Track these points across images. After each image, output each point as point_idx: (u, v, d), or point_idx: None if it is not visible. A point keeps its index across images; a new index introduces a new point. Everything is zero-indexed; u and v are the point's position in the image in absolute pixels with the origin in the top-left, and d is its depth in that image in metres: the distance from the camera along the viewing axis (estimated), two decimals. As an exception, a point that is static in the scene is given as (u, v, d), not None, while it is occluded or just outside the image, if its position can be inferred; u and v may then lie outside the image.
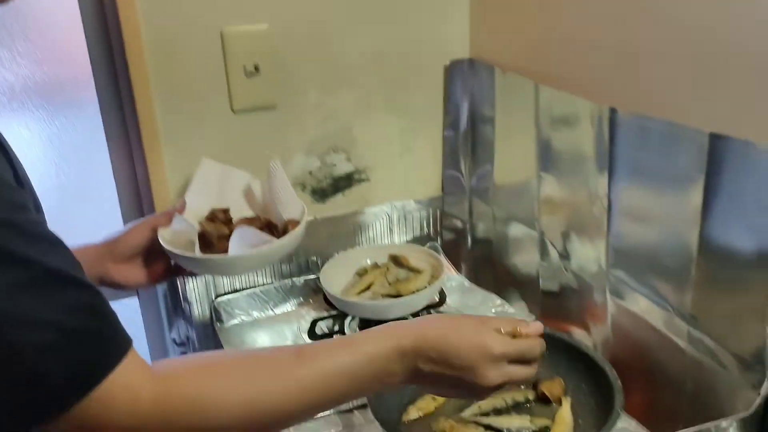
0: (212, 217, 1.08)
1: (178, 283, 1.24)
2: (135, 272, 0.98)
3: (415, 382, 0.68)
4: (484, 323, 0.70)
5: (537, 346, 0.72)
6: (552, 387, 0.95)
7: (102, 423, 0.54)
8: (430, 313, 1.22)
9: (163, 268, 1.01)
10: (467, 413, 0.93)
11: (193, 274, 1.06)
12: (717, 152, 0.80)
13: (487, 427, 0.90)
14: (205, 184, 1.12)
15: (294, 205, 1.09)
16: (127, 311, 1.29)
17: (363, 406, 1.01)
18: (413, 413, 0.93)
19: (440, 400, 0.96)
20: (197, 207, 1.09)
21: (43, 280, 0.51)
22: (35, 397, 0.51)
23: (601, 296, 1.08)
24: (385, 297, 1.16)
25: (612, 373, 0.90)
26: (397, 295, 1.16)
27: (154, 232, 0.99)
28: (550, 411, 0.93)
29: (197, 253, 0.98)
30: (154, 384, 0.57)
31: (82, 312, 0.53)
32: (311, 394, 0.62)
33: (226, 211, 1.09)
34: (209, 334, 1.27)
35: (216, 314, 1.26)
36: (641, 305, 1.00)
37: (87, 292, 0.54)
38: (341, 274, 1.26)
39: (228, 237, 0.98)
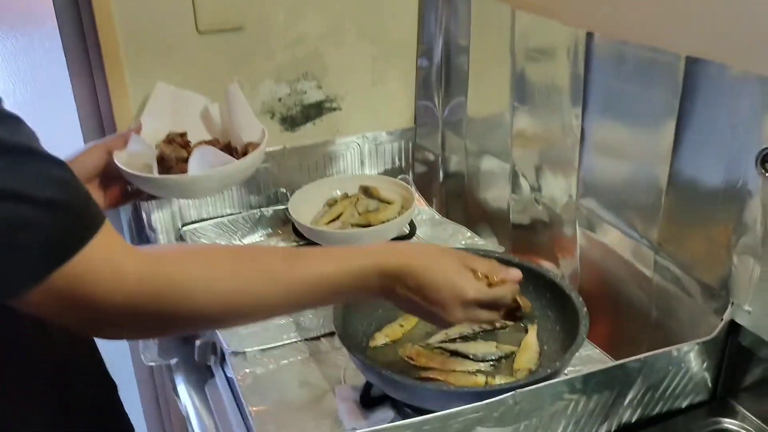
0: (170, 140, 1.05)
1: (142, 211, 1.22)
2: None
3: (388, 299, 0.71)
4: (466, 264, 0.73)
5: (509, 293, 0.76)
6: (523, 299, 0.96)
7: (89, 299, 0.53)
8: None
9: (120, 191, 0.98)
10: (434, 340, 0.93)
11: (152, 198, 1.03)
12: (692, 78, 0.79)
13: (453, 353, 0.90)
14: (161, 108, 1.08)
15: (253, 128, 1.06)
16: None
17: (330, 334, 1.00)
18: (380, 339, 0.93)
19: (407, 326, 0.95)
20: (153, 131, 1.05)
21: (12, 154, 0.49)
22: (10, 268, 0.50)
23: (570, 228, 1.08)
24: (354, 227, 1.15)
25: (578, 301, 0.90)
26: (367, 225, 1.14)
27: (110, 154, 0.96)
28: (517, 338, 0.93)
29: (155, 173, 0.95)
30: (138, 262, 0.56)
31: (54, 184, 0.51)
32: (294, 294, 0.64)
33: (183, 135, 1.06)
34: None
35: (182, 242, 1.24)
36: (610, 236, 1.01)
37: (57, 166, 0.52)
38: (310, 204, 1.24)
39: (186, 160, 0.95)
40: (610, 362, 0.86)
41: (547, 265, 1.17)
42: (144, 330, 0.63)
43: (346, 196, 1.26)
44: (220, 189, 1.08)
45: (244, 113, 1.05)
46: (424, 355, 0.89)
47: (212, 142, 1.06)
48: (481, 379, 0.85)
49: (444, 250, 0.76)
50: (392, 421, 0.87)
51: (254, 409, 0.89)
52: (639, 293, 0.98)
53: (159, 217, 1.23)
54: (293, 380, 0.94)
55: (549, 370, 0.79)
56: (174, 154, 1.00)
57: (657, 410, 0.84)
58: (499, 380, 0.85)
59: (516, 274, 0.76)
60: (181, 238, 1.24)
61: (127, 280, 0.55)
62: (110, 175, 0.96)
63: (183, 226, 1.25)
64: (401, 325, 0.95)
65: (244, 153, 1.02)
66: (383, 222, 1.15)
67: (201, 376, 1.14)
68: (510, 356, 0.90)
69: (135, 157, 0.97)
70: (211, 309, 0.60)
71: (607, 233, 1.01)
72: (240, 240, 1.28)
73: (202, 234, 1.26)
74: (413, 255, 0.70)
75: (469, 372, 0.87)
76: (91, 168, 0.94)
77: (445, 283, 0.69)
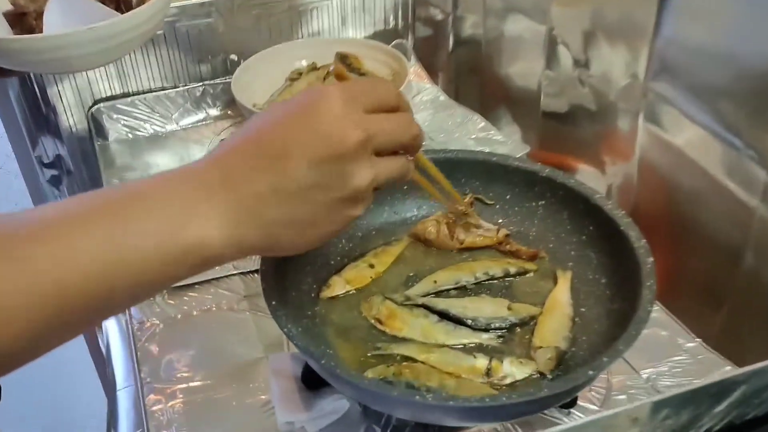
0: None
1: (35, 83, 0.89)
2: None
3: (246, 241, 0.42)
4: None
5: (387, 83, 0.52)
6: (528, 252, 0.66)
7: None
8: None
9: None
10: (416, 291, 0.62)
11: (11, 74, 0.70)
12: None
13: (442, 315, 0.60)
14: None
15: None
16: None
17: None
18: (338, 286, 0.63)
19: (379, 267, 0.65)
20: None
21: None
22: None
23: (629, 121, 0.76)
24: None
25: (639, 244, 0.58)
26: (337, 111, 0.81)
27: None
28: (540, 294, 0.63)
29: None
30: None
31: None
32: (45, 296, 0.35)
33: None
34: (88, 151, 0.94)
35: (96, 126, 0.92)
36: (690, 136, 0.67)
37: None
38: (266, 78, 0.91)
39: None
40: (683, 356, 0.57)
41: (587, 173, 0.85)
42: None
43: (314, 67, 0.91)
44: (104, 59, 0.72)
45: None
46: (398, 318, 0.59)
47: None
48: (480, 364, 0.55)
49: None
50: (347, 413, 0.59)
51: (150, 383, 0.61)
52: (729, 227, 0.66)
53: (60, 92, 0.90)
54: (213, 338, 0.65)
55: (590, 372, 0.48)
56: (33, 6, 0.65)
57: (752, 415, 0.54)
58: (508, 369, 0.55)
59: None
60: (93, 119, 0.92)
61: None
62: None
63: (95, 103, 0.93)
64: (371, 265, 0.64)
65: (142, 3, 0.67)
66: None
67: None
68: (528, 322, 0.60)
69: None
70: None
71: (687, 133, 0.68)
72: (176, 123, 0.96)
73: (123, 115, 0.93)
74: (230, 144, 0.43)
75: (464, 349, 0.57)
76: None
77: (294, 123, 0.42)
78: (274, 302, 0.54)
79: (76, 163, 0.95)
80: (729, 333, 0.67)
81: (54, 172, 0.97)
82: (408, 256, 0.67)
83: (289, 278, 0.60)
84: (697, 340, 0.64)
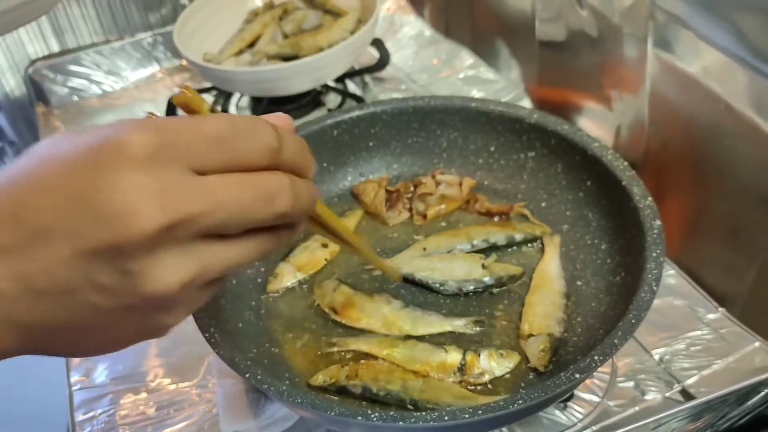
0: None
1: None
2: None
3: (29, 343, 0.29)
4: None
5: (264, 126, 0.29)
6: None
7: None
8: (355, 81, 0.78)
9: None
10: (401, 259, 0.52)
11: None
12: None
13: (406, 280, 0.50)
14: None
15: None
16: None
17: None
18: (286, 275, 0.53)
19: (333, 248, 0.54)
20: None
21: None
22: None
23: (636, 48, 0.64)
24: (272, 60, 0.71)
25: (646, 203, 0.47)
26: (293, 57, 0.70)
27: None
28: (525, 256, 0.52)
29: None
30: None
31: None
32: None
33: None
34: (28, 119, 0.84)
35: (35, 89, 0.83)
36: (708, 63, 0.55)
37: None
38: (219, 22, 0.79)
39: None
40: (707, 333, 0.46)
41: (592, 111, 0.73)
42: None
43: (271, 5, 0.79)
44: (26, 16, 0.61)
45: None
46: (356, 306, 0.50)
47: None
48: (452, 360, 0.46)
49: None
50: (302, 419, 0.50)
51: (79, 384, 0.53)
52: (757, 169, 0.55)
53: (-10, 53, 0.80)
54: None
55: (598, 357, 0.38)
56: None
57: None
58: (485, 364, 0.45)
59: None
60: (31, 81, 0.82)
61: None
62: None
63: (33, 62, 0.83)
64: (323, 245, 0.54)
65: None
66: (321, 49, 0.69)
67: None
68: (506, 284, 0.50)
69: None
70: None
71: (703, 56, 0.56)
72: (126, 79, 0.85)
73: (66, 75, 0.83)
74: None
75: (433, 341, 0.47)
76: None
77: (75, 178, 0.26)
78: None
79: (20, 134, 0.85)
80: (759, 297, 0.57)
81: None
82: (368, 229, 0.56)
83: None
84: (720, 309, 0.53)
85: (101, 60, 0.84)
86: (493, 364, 0.45)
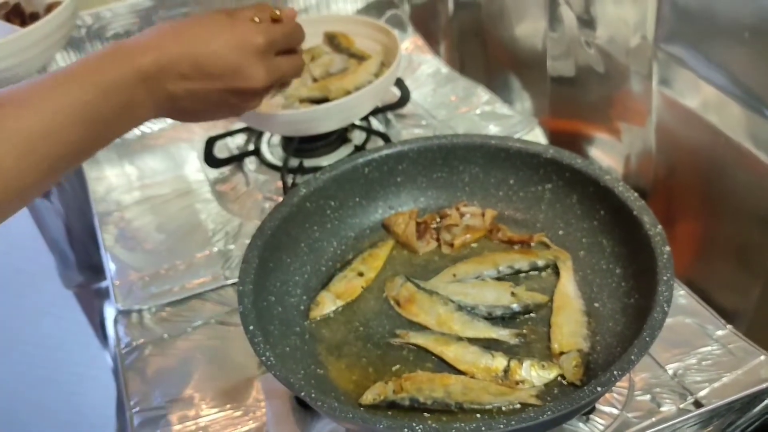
0: None
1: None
2: None
3: (170, 112, 0.55)
4: (234, 16, 0.58)
5: (298, 29, 0.62)
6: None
7: None
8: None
9: None
10: (433, 284, 0.57)
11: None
12: None
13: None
14: None
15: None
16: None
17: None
18: (327, 303, 0.57)
19: (369, 276, 0.59)
20: None
21: None
22: None
23: (641, 84, 0.69)
24: (304, 103, 0.76)
25: (655, 230, 0.52)
26: (324, 100, 0.75)
27: None
28: (544, 283, 0.57)
29: None
30: None
31: None
32: (34, 152, 0.44)
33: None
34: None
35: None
36: (708, 97, 0.60)
37: None
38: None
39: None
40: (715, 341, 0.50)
41: (602, 142, 0.78)
42: None
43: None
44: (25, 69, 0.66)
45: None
46: (416, 302, 0.56)
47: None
48: (498, 364, 0.50)
49: (197, 15, 0.58)
50: (346, 434, 0.54)
51: (137, 407, 0.58)
52: (757, 194, 0.59)
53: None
54: (203, 358, 0.61)
55: (617, 372, 0.43)
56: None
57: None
58: (526, 373, 0.50)
59: (291, 11, 0.61)
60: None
61: None
62: None
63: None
64: (359, 273, 0.59)
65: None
66: (348, 93, 0.75)
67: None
68: (533, 311, 0.55)
69: None
70: None
71: (703, 92, 0.61)
72: (164, 120, 0.91)
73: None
74: (163, 37, 0.53)
75: (482, 345, 0.52)
76: None
77: (224, 44, 0.55)
78: (251, 327, 0.50)
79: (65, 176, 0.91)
80: (763, 314, 0.61)
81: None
82: (400, 258, 0.62)
83: (275, 292, 0.56)
84: (728, 327, 0.58)
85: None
86: (533, 374, 0.50)
